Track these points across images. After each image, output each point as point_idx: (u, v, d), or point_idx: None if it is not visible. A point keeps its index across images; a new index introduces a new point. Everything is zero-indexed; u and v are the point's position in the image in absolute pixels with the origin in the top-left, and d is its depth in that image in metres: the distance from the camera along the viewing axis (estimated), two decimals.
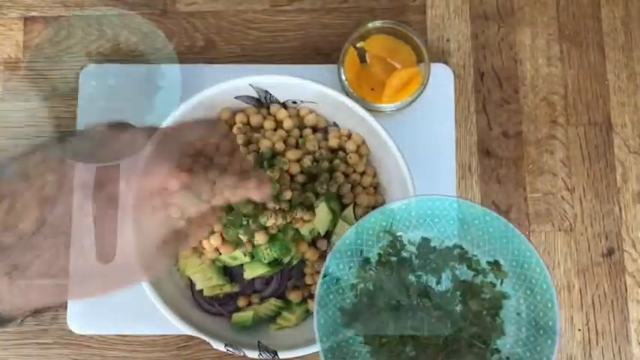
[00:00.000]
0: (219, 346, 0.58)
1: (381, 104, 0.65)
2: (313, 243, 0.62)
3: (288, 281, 0.64)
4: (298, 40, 0.72)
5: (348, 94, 0.63)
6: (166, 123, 0.56)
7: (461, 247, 0.52)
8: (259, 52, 0.72)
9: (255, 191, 0.36)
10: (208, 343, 0.58)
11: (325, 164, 0.63)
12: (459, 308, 0.52)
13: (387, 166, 0.63)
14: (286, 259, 0.61)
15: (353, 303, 0.52)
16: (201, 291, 0.63)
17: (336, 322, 0.51)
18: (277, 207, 0.59)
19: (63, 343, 0.66)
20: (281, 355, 0.58)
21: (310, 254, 0.62)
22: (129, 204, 0.31)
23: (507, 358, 0.51)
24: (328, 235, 0.62)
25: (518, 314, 0.52)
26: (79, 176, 0.31)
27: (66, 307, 0.65)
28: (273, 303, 0.63)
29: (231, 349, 0.58)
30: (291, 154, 0.62)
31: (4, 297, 0.31)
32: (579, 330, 0.67)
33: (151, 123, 0.36)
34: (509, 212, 0.69)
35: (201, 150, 0.37)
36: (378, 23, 0.67)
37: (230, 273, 0.64)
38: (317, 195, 0.61)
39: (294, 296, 0.63)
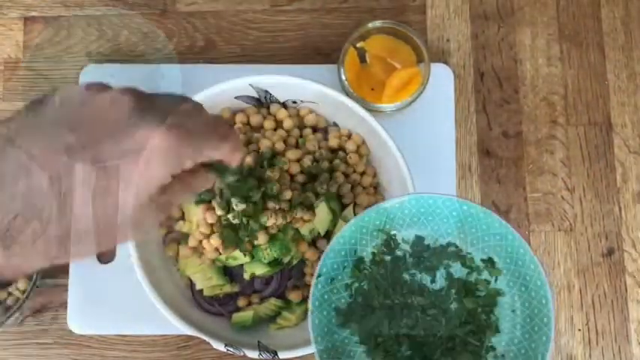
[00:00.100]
0: (219, 346, 0.58)
1: (381, 104, 0.65)
2: (313, 243, 0.62)
3: (288, 281, 0.64)
4: (298, 40, 0.72)
5: (348, 94, 0.63)
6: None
7: (455, 245, 0.52)
8: (259, 52, 0.72)
9: (228, 153, 0.38)
10: (208, 343, 0.58)
11: (325, 164, 0.63)
12: (453, 306, 0.51)
13: (387, 166, 0.63)
14: (286, 259, 0.61)
15: (348, 303, 0.52)
16: (201, 291, 0.63)
17: (331, 322, 0.51)
18: (277, 207, 0.59)
19: (63, 343, 0.66)
20: (281, 355, 0.58)
21: (310, 254, 0.62)
22: (115, 163, 0.32)
23: (502, 355, 0.51)
24: (328, 235, 0.62)
25: (512, 311, 0.52)
26: (62, 138, 0.31)
27: (66, 307, 0.65)
28: (273, 303, 0.63)
29: (231, 349, 0.58)
30: (291, 154, 0.62)
31: None
32: (579, 330, 0.67)
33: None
34: (509, 212, 0.69)
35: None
36: (378, 23, 0.67)
37: (230, 273, 0.64)
38: (317, 195, 0.61)
39: (294, 296, 0.63)
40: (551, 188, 0.69)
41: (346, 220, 0.60)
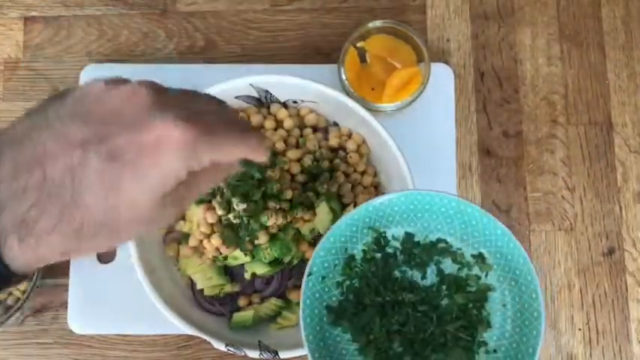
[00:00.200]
0: (220, 346, 0.58)
1: (382, 104, 0.65)
2: (314, 243, 0.62)
3: (289, 281, 0.64)
4: (298, 40, 0.72)
5: (348, 94, 0.63)
6: None
7: (445, 241, 0.52)
8: (259, 52, 0.72)
9: (252, 150, 0.36)
10: (209, 343, 0.58)
11: (326, 164, 0.63)
12: (444, 302, 0.51)
13: (387, 166, 0.63)
14: (287, 259, 0.61)
15: (339, 301, 0.52)
16: (201, 290, 0.63)
17: (323, 320, 0.51)
18: (278, 206, 0.59)
19: (63, 343, 0.66)
20: (282, 354, 0.58)
21: (311, 254, 0.61)
22: (131, 156, 0.31)
23: (494, 350, 0.51)
24: None
25: (503, 306, 0.52)
26: (78, 132, 0.31)
27: (66, 307, 0.65)
28: (273, 302, 0.63)
29: (231, 349, 0.58)
30: (292, 154, 0.62)
31: (14, 253, 0.31)
32: (580, 329, 0.67)
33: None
34: (510, 212, 0.69)
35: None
36: (378, 23, 0.67)
37: (230, 272, 0.64)
38: (317, 194, 0.61)
39: (294, 296, 0.63)
40: (551, 188, 0.69)
41: None
